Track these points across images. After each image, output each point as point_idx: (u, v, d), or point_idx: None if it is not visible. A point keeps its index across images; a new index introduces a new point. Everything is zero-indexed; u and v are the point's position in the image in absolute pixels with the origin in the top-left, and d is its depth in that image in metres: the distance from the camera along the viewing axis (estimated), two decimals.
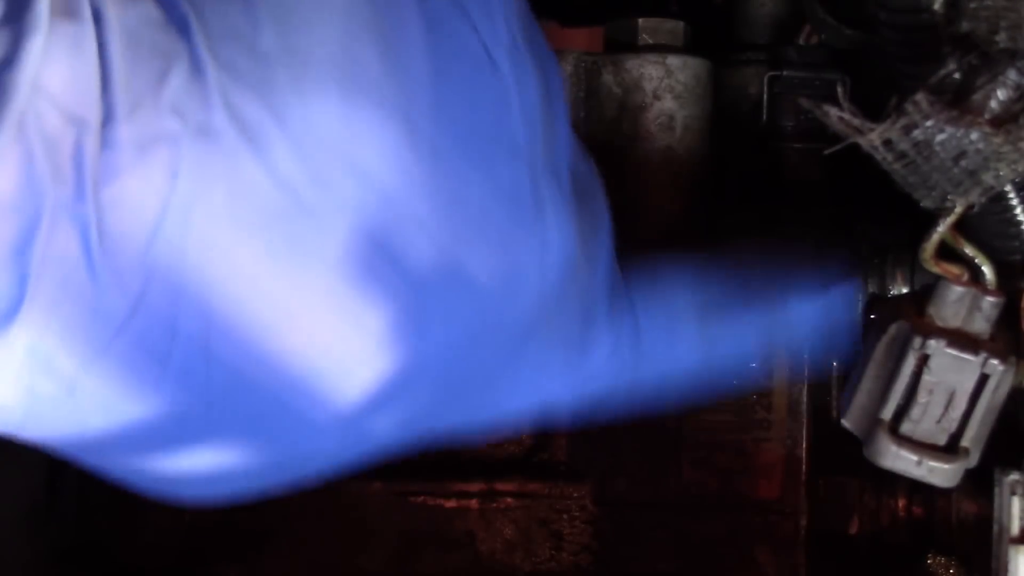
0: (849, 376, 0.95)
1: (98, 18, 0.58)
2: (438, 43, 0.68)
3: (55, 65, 0.57)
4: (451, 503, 1.04)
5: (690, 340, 0.89)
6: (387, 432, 0.73)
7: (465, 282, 0.70)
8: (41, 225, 0.57)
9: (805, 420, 1.01)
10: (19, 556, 1.03)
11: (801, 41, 1.12)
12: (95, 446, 0.68)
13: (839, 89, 0.80)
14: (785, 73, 1.11)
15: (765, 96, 1.12)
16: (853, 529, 1.02)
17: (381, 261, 0.66)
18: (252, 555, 1.04)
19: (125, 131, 0.59)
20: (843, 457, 0.99)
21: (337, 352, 0.67)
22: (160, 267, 0.61)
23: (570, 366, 0.83)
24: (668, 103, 1.07)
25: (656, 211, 1.07)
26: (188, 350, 0.63)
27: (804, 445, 1.01)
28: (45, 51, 0.56)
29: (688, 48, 1.10)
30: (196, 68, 0.60)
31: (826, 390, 1.04)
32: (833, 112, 0.75)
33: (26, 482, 1.01)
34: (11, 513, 1.02)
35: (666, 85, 1.07)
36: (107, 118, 0.58)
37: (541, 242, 0.75)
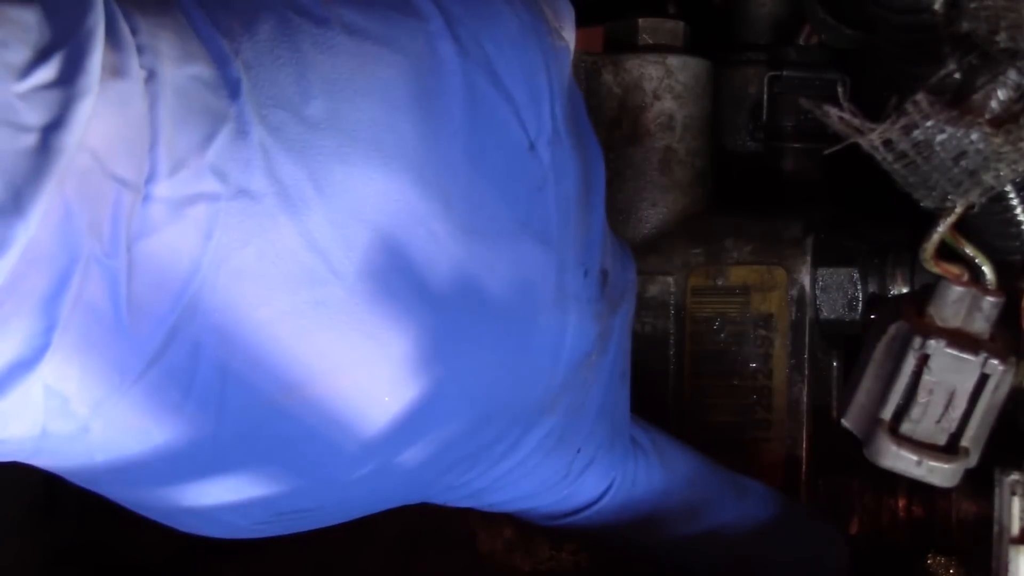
0: (849, 376, 0.95)
1: (152, 76, 0.59)
2: (480, 128, 0.69)
3: (100, 123, 0.57)
4: None
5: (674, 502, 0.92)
6: (417, 468, 0.74)
7: (476, 344, 0.72)
8: (73, 277, 0.58)
9: (805, 420, 1.01)
10: (19, 556, 1.03)
11: (801, 41, 1.12)
12: (105, 477, 0.68)
13: (839, 89, 0.81)
14: (785, 73, 1.11)
15: (765, 96, 1.12)
16: (853, 529, 1.02)
17: (399, 310, 0.67)
18: (252, 554, 1.04)
19: (165, 189, 0.59)
20: (843, 457, 0.99)
21: (364, 380, 0.68)
22: (187, 318, 0.62)
23: (565, 480, 0.85)
24: (668, 103, 1.07)
25: (656, 211, 1.07)
26: (207, 391, 0.64)
27: (804, 445, 1.01)
28: (92, 109, 0.57)
29: (688, 48, 1.10)
30: (241, 130, 0.61)
31: (826, 390, 1.04)
32: (833, 112, 0.75)
33: (26, 482, 1.01)
34: (11, 513, 1.02)
35: (666, 85, 1.07)
36: (149, 176, 0.59)
37: (554, 343, 0.76)
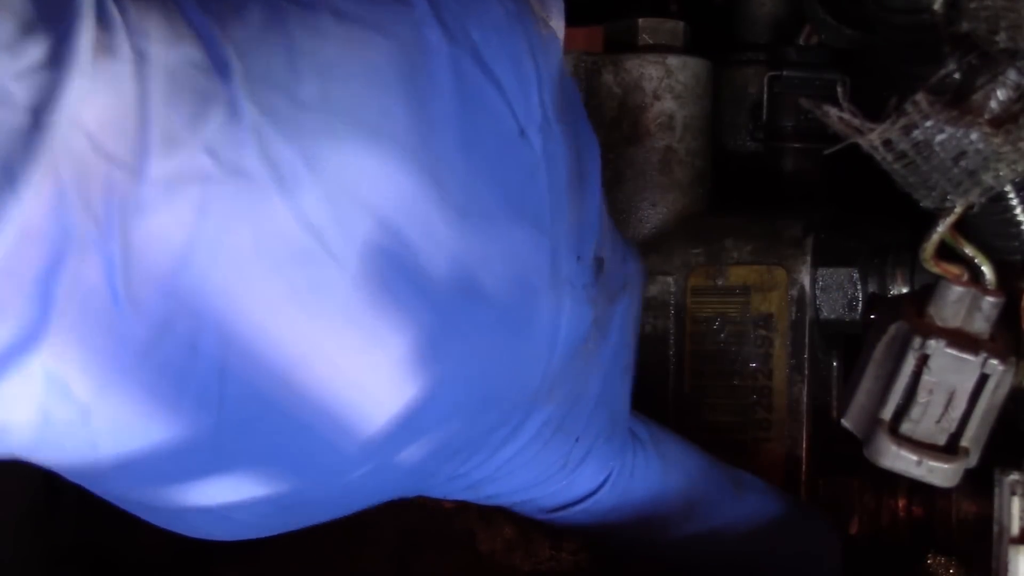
0: (849, 376, 0.95)
1: (143, 57, 0.59)
2: (471, 114, 0.69)
3: (92, 101, 0.57)
4: (451, 503, 1.04)
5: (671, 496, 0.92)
6: (417, 462, 0.74)
7: (474, 335, 0.71)
8: (68, 256, 0.58)
9: (805, 420, 1.01)
10: (19, 556, 1.03)
11: (801, 41, 1.12)
12: (109, 473, 0.68)
13: (839, 89, 0.80)
14: (785, 73, 1.11)
15: (765, 96, 1.12)
16: (853, 529, 1.02)
17: (397, 300, 0.67)
18: (251, 555, 1.04)
19: (158, 168, 0.59)
20: (843, 457, 0.99)
21: (363, 378, 0.67)
22: (183, 300, 0.61)
23: (563, 471, 0.85)
24: (668, 103, 1.07)
25: (656, 211, 1.07)
26: (207, 379, 0.64)
27: (804, 445, 1.01)
28: (83, 89, 0.57)
29: (688, 48, 1.10)
30: (234, 111, 0.61)
31: (826, 390, 1.04)
32: (833, 112, 0.75)
33: (26, 482, 1.01)
34: (11, 513, 1.02)
35: (666, 85, 1.07)
36: (142, 156, 0.59)
37: (550, 328, 0.76)
